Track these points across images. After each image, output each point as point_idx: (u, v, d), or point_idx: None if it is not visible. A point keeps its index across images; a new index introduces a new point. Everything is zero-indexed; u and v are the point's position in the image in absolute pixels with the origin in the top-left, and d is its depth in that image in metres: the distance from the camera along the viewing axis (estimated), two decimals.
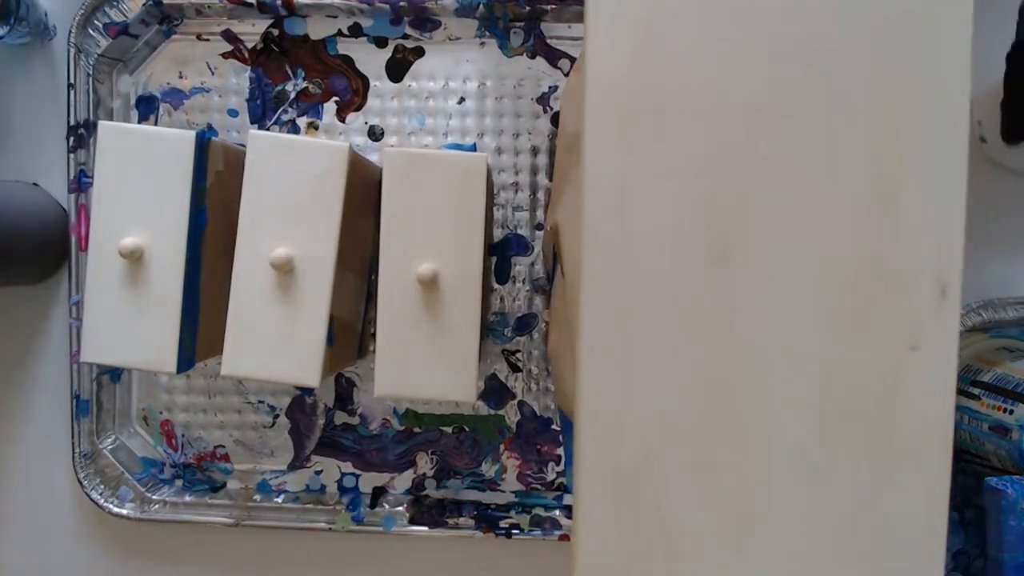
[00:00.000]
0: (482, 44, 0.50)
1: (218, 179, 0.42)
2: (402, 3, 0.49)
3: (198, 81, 0.51)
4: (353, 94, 0.50)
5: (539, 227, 0.51)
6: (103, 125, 0.40)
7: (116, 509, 0.51)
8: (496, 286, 0.51)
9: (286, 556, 0.52)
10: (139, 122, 0.51)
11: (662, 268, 0.25)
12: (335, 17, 0.50)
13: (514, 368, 0.51)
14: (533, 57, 0.50)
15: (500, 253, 0.51)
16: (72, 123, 0.49)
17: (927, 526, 0.25)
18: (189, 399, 0.52)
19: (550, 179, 0.50)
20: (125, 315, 0.40)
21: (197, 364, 0.43)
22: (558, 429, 0.51)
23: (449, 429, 0.52)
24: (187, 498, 0.52)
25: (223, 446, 0.52)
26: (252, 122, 0.51)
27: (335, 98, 0.50)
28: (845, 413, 0.25)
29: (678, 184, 0.25)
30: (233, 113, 0.51)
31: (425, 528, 0.50)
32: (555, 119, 0.50)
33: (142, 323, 0.40)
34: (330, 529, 0.51)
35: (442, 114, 0.50)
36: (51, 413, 0.52)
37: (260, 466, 0.52)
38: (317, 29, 0.50)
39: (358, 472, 0.52)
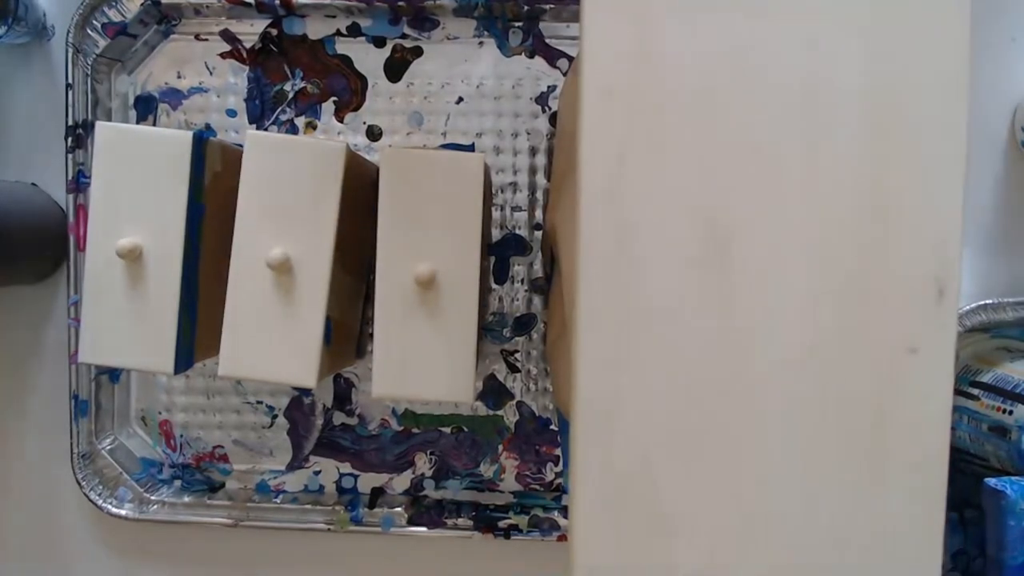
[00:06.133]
0: (480, 44, 0.50)
1: (216, 179, 0.42)
2: (400, 3, 0.49)
3: (196, 81, 0.51)
4: (352, 94, 0.50)
5: (538, 227, 0.51)
6: (101, 125, 0.40)
7: (115, 510, 0.51)
8: (494, 286, 0.51)
9: (285, 556, 0.52)
10: (137, 122, 0.51)
11: (659, 268, 0.25)
12: (333, 17, 0.50)
13: (513, 368, 0.51)
14: (532, 57, 0.50)
15: (499, 253, 0.51)
16: (70, 123, 0.49)
17: (924, 527, 0.25)
18: (188, 399, 0.52)
19: (548, 179, 0.50)
20: (123, 315, 0.40)
21: (196, 364, 0.43)
22: (556, 429, 0.51)
23: (448, 429, 0.51)
24: (186, 498, 0.51)
25: (222, 446, 0.52)
26: (250, 122, 0.51)
27: (333, 98, 0.50)
28: (843, 414, 0.25)
29: (675, 184, 0.25)
30: (231, 113, 0.51)
31: (424, 528, 0.50)
32: (553, 119, 0.50)
33: (140, 323, 0.40)
34: (329, 529, 0.51)
35: (440, 114, 0.50)
36: (50, 413, 0.52)
37: (259, 466, 0.52)
38: (316, 29, 0.50)
39: (357, 472, 0.52)
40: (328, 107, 0.50)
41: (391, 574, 0.52)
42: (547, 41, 0.50)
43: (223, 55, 0.51)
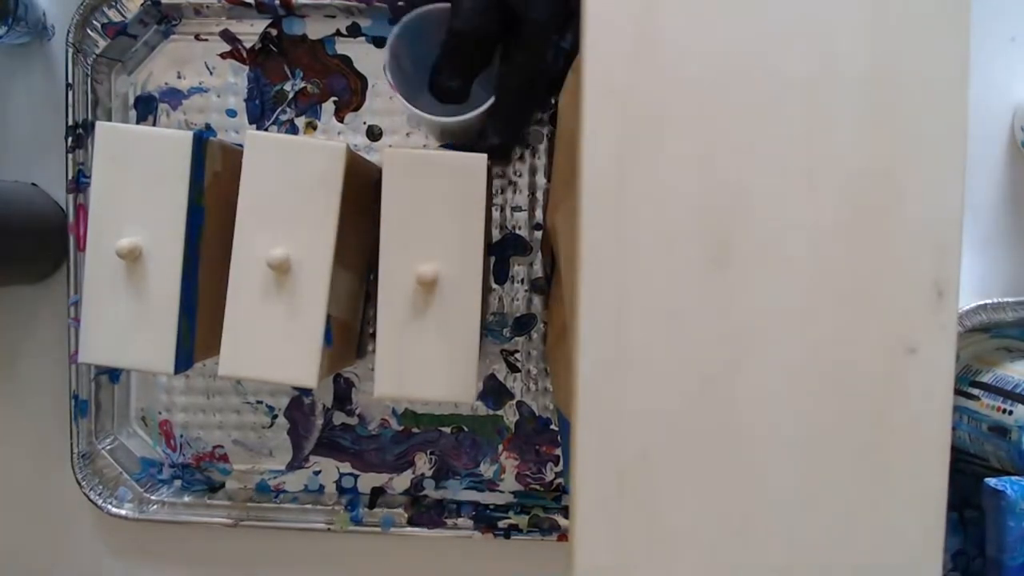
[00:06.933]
0: None
1: (216, 179, 0.42)
2: (400, 3, 0.49)
3: (196, 81, 0.51)
4: (352, 94, 0.50)
5: (538, 227, 0.51)
6: (100, 126, 0.40)
7: (115, 509, 0.51)
8: (495, 286, 0.51)
9: (285, 556, 0.52)
10: (137, 122, 0.51)
11: (659, 268, 0.25)
12: (333, 17, 0.50)
13: (513, 368, 0.51)
14: None
15: (499, 253, 0.51)
16: (71, 123, 0.49)
17: (925, 528, 0.25)
18: (188, 399, 0.52)
19: (548, 179, 0.50)
20: (123, 315, 0.40)
21: (196, 364, 0.43)
22: (556, 429, 0.51)
23: (448, 429, 0.51)
24: (186, 498, 0.51)
25: (222, 446, 0.52)
26: (250, 122, 0.51)
27: (334, 98, 0.50)
28: (843, 415, 0.25)
29: (675, 184, 0.25)
30: (231, 113, 0.51)
31: (424, 528, 0.50)
32: (553, 119, 0.50)
33: (140, 323, 0.40)
34: (329, 529, 0.51)
35: None
36: (50, 413, 0.52)
37: (259, 466, 0.52)
38: (315, 29, 0.50)
39: (357, 472, 0.52)
40: (328, 107, 0.50)
41: (391, 574, 0.52)
42: None
43: (223, 55, 0.51)
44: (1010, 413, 0.41)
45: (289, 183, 0.39)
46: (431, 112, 0.42)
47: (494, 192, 0.50)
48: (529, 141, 0.50)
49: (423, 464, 0.52)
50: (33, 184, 0.51)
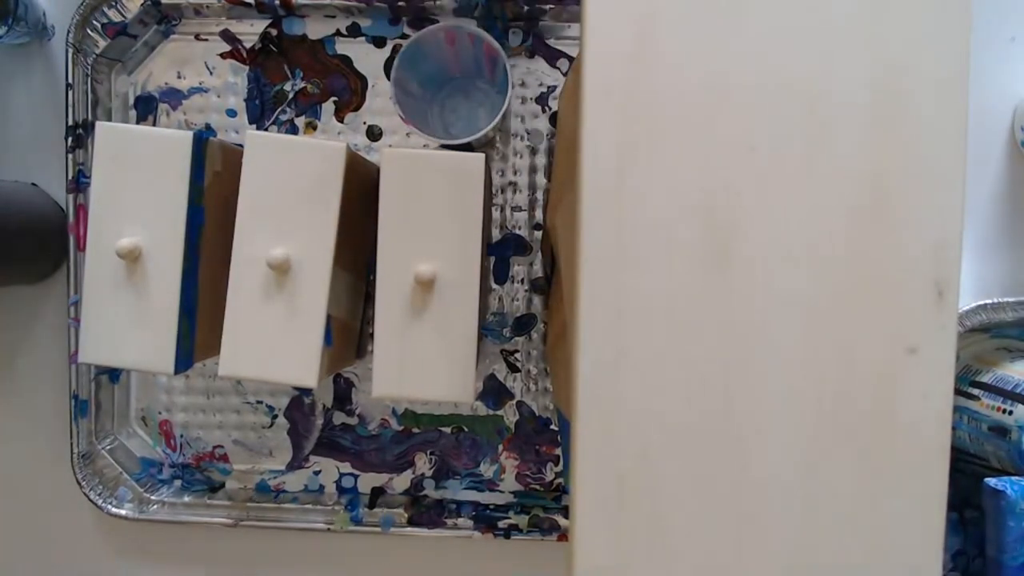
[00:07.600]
0: None
1: (216, 179, 0.42)
2: (400, 3, 0.49)
3: (196, 81, 0.51)
4: (352, 94, 0.50)
5: (537, 227, 0.51)
6: (100, 126, 0.40)
7: (115, 509, 0.51)
8: (494, 286, 0.51)
9: (285, 556, 0.52)
10: (137, 122, 0.51)
11: (659, 268, 0.25)
12: (333, 17, 0.50)
13: (513, 368, 0.51)
14: (532, 57, 0.50)
15: (498, 253, 0.51)
16: (71, 123, 0.49)
17: (925, 528, 0.25)
18: (188, 399, 0.52)
19: (548, 179, 0.50)
20: (123, 315, 0.40)
21: (196, 364, 0.43)
22: (556, 429, 0.51)
23: (448, 429, 0.51)
24: (186, 498, 0.51)
25: (222, 446, 0.52)
26: (250, 122, 0.51)
27: (333, 98, 0.50)
28: (843, 414, 0.25)
29: (675, 184, 0.25)
30: (231, 113, 0.51)
31: (424, 528, 0.50)
32: (553, 119, 0.50)
33: (140, 323, 0.40)
34: (328, 529, 0.51)
35: None
36: (50, 413, 0.52)
37: (259, 466, 0.52)
38: (315, 29, 0.50)
39: (356, 472, 0.52)
40: (328, 107, 0.50)
41: (391, 574, 0.52)
42: (547, 41, 0.50)
43: (223, 55, 0.51)
44: (1010, 413, 0.41)
45: (289, 183, 0.39)
46: (442, 136, 0.46)
47: (494, 192, 0.50)
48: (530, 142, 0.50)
49: (423, 464, 0.52)
50: (33, 184, 0.51)
